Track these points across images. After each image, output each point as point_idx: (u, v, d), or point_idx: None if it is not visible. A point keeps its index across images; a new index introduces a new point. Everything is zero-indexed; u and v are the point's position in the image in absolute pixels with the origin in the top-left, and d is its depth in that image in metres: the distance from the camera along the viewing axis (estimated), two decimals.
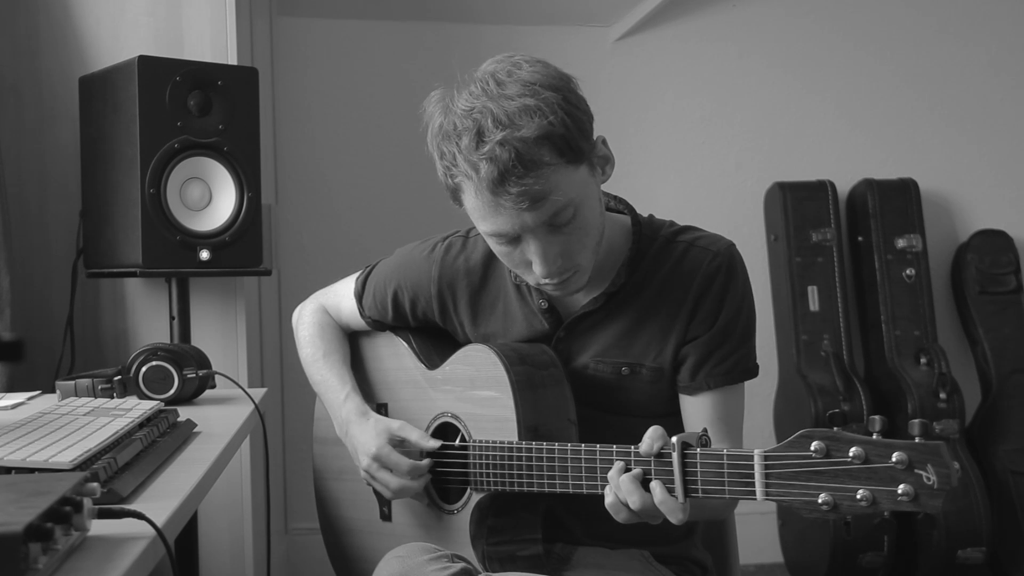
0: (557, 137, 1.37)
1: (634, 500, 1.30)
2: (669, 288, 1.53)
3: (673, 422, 1.56)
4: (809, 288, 3.48)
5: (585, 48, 3.48)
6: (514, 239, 1.43)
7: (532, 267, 1.44)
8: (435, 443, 1.56)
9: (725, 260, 1.52)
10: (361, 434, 1.62)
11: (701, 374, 1.52)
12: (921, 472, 1.11)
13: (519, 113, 1.36)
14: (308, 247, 3.37)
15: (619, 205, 1.61)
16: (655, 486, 1.29)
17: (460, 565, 1.45)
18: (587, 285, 1.53)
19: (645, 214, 1.61)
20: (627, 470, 1.33)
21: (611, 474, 1.34)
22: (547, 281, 1.46)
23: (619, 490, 1.32)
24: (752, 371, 1.56)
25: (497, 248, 1.47)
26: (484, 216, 1.42)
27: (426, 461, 1.57)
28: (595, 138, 1.45)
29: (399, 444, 1.58)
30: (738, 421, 1.55)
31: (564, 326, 1.57)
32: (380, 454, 1.57)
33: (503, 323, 1.61)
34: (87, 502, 0.89)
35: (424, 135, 1.49)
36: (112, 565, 0.85)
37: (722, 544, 1.73)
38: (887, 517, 3.23)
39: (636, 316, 1.54)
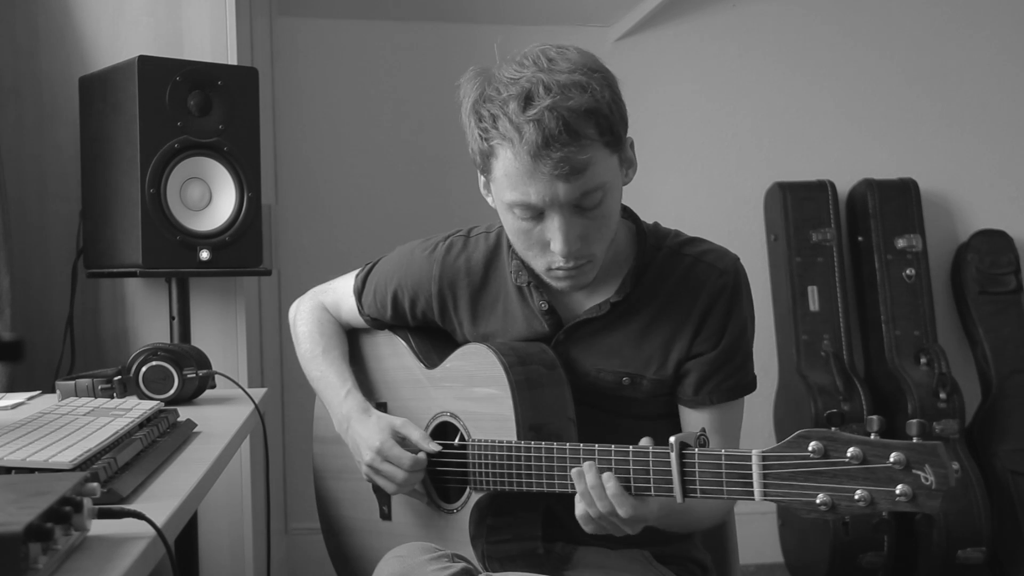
0: (602, 116, 1.39)
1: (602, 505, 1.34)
2: (673, 302, 1.53)
3: (672, 423, 1.57)
4: (809, 288, 3.49)
5: (585, 48, 3.47)
6: (538, 214, 1.42)
7: (550, 246, 1.44)
8: (435, 447, 1.56)
9: (731, 278, 1.52)
10: (363, 430, 1.62)
11: (704, 391, 1.53)
12: (919, 472, 1.12)
13: (569, 85, 1.38)
14: (308, 247, 3.37)
15: (623, 212, 1.60)
16: (611, 482, 1.33)
17: (460, 565, 1.45)
18: (590, 291, 1.53)
19: (646, 215, 1.61)
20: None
21: (581, 474, 1.37)
22: (561, 264, 1.45)
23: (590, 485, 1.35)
24: (751, 385, 1.57)
25: (517, 224, 1.45)
26: (516, 183, 1.40)
27: (424, 456, 1.57)
28: (628, 136, 1.46)
29: (401, 441, 1.59)
30: (735, 432, 1.56)
31: (564, 330, 1.57)
32: (383, 448, 1.57)
33: (503, 323, 1.61)
34: (87, 502, 0.89)
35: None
36: (112, 565, 0.85)
37: (722, 544, 1.73)
38: (886, 517, 3.23)
39: (639, 328, 1.54)
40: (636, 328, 1.54)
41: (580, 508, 1.36)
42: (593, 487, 1.34)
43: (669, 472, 1.29)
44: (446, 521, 1.59)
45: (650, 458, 1.31)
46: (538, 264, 1.49)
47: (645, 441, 1.34)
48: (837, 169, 3.61)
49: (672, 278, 1.54)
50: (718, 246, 1.57)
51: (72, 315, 2.34)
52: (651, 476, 1.31)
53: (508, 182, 1.41)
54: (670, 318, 1.53)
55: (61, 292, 2.37)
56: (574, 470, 1.37)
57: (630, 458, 1.34)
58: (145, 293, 2.42)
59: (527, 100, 1.37)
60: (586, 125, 1.37)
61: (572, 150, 1.36)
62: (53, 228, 2.41)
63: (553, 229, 1.42)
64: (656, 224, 1.61)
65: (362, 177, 3.45)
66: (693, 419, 1.54)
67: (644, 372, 1.54)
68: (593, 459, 1.36)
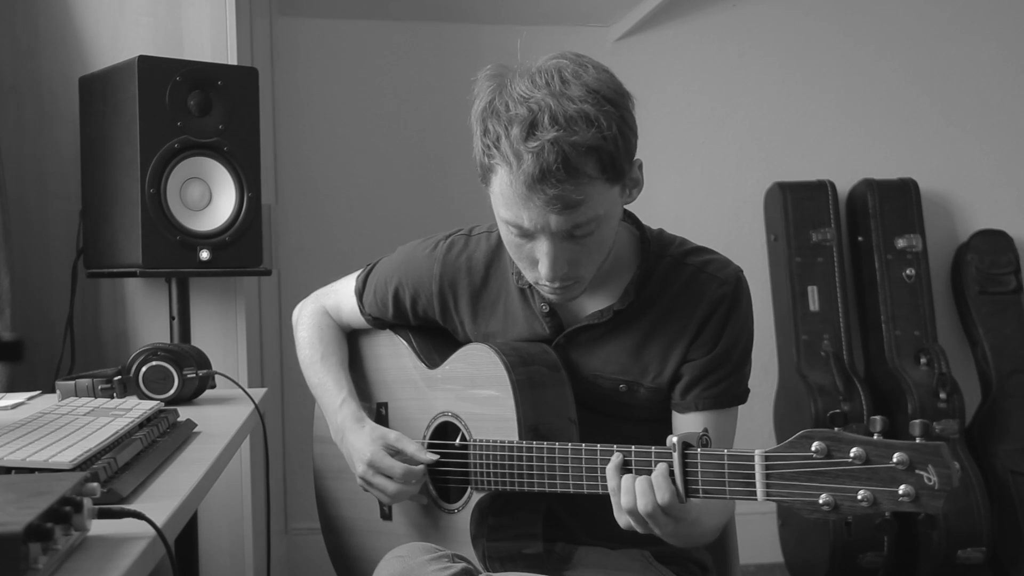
0: (605, 153, 1.36)
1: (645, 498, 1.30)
2: (674, 311, 1.53)
3: (670, 427, 1.57)
4: (809, 288, 3.48)
5: (585, 48, 3.41)
6: (529, 234, 1.42)
7: (537, 266, 1.44)
8: (432, 456, 1.56)
9: (731, 288, 1.52)
10: (356, 441, 1.62)
11: (691, 395, 1.53)
12: (922, 473, 1.11)
13: (577, 118, 1.35)
14: (308, 247, 3.37)
15: (626, 218, 1.59)
16: (660, 467, 1.29)
17: (461, 565, 1.45)
18: (592, 296, 1.53)
19: (645, 215, 1.60)
20: (626, 466, 1.33)
21: (610, 473, 1.34)
22: (547, 284, 1.46)
23: (626, 491, 1.31)
24: (741, 397, 1.56)
25: (509, 237, 1.46)
26: (509, 205, 1.40)
27: (420, 467, 1.57)
28: (635, 160, 1.45)
29: (395, 453, 1.58)
30: (727, 444, 1.54)
31: (565, 333, 1.57)
32: (375, 459, 1.57)
33: (503, 323, 1.61)
34: (87, 502, 0.89)
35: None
36: (112, 565, 0.85)
37: (722, 544, 1.73)
38: (888, 517, 3.23)
39: (639, 336, 1.54)
40: (636, 336, 1.54)
41: (626, 500, 1.32)
42: (627, 480, 1.31)
43: (672, 471, 1.29)
44: (447, 521, 1.59)
45: (653, 458, 1.31)
46: (528, 275, 1.50)
47: (672, 439, 1.31)
48: (837, 169, 3.61)
49: (674, 288, 1.53)
50: (721, 257, 1.57)
51: (72, 315, 2.34)
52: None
53: (503, 201, 1.41)
54: (670, 327, 1.53)
55: (61, 292, 2.37)
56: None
57: (632, 458, 1.34)
58: (145, 293, 2.42)
59: (531, 128, 1.35)
60: (586, 162, 1.36)
61: (568, 187, 1.35)
62: (53, 228, 2.41)
63: (542, 253, 1.42)
64: (661, 231, 1.60)
65: (362, 177, 3.45)
66: (682, 424, 1.54)
67: (641, 380, 1.54)
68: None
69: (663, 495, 1.28)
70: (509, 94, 1.38)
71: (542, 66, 1.41)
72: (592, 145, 1.35)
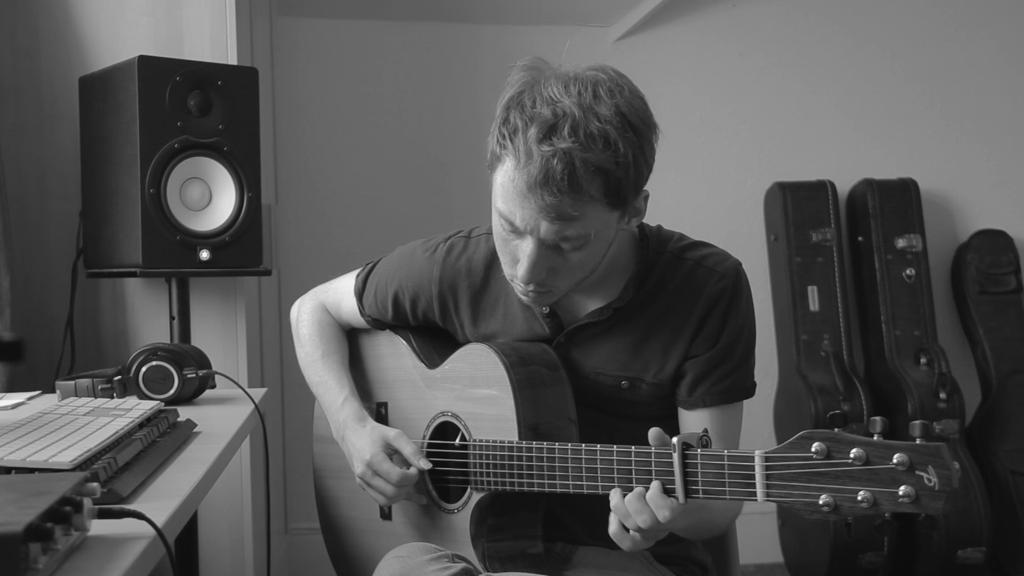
0: (614, 178, 1.36)
1: (643, 519, 1.30)
2: (674, 306, 1.53)
3: (673, 425, 1.57)
4: (809, 288, 3.48)
5: (585, 48, 3.47)
6: (518, 232, 1.42)
7: (517, 265, 1.44)
8: (426, 464, 1.56)
9: (731, 281, 1.52)
10: (357, 440, 1.62)
11: (698, 392, 1.53)
12: (922, 473, 1.11)
13: (596, 136, 1.34)
14: (308, 247, 3.37)
15: None
16: (654, 485, 1.30)
17: (461, 565, 1.45)
18: (591, 294, 1.53)
19: (646, 216, 1.60)
20: (626, 468, 1.33)
21: (614, 502, 1.34)
22: (521, 284, 1.46)
23: (627, 515, 1.32)
24: (749, 391, 1.56)
25: (499, 229, 1.45)
26: (506, 198, 1.40)
27: (414, 471, 1.56)
28: (642, 192, 1.44)
29: (394, 453, 1.58)
30: (734, 439, 1.55)
31: (565, 332, 1.57)
32: (373, 461, 1.57)
33: (503, 324, 1.61)
34: (87, 502, 0.89)
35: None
36: (112, 565, 0.85)
37: (722, 544, 1.73)
38: (888, 518, 3.23)
39: (640, 332, 1.54)
40: (636, 332, 1.54)
41: (614, 525, 1.34)
42: (630, 500, 1.31)
43: (672, 472, 1.29)
44: (446, 521, 1.59)
45: (652, 459, 1.31)
46: (506, 270, 1.50)
47: (655, 431, 1.32)
48: (837, 169, 3.61)
49: (673, 283, 1.53)
50: (720, 250, 1.57)
51: (72, 315, 2.34)
52: (653, 477, 1.31)
53: (502, 192, 1.41)
54: (670, 323, 1.53)
55: (61, 292, 2.37)
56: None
57: (632, 459, 1.34)
58: (145, 293, 2.42)
59: (549, 131, 1.34)
60: (592, 182, 1.35)
61: (567, 200, 1.35)
62: (53, 228, 2.40)
63: (524, 253, 1.42)
64: (659, 227, 1.60)
65: (362, 177, 3.45)
66: (689, 421, 1.54)
67: (643, 376, 1.54)
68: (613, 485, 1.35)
69: (646, 517, 1.29)
70: (539, 91, 1.38)
71: (580, 74, 1.39)
72: (602, 167, 1.34)
